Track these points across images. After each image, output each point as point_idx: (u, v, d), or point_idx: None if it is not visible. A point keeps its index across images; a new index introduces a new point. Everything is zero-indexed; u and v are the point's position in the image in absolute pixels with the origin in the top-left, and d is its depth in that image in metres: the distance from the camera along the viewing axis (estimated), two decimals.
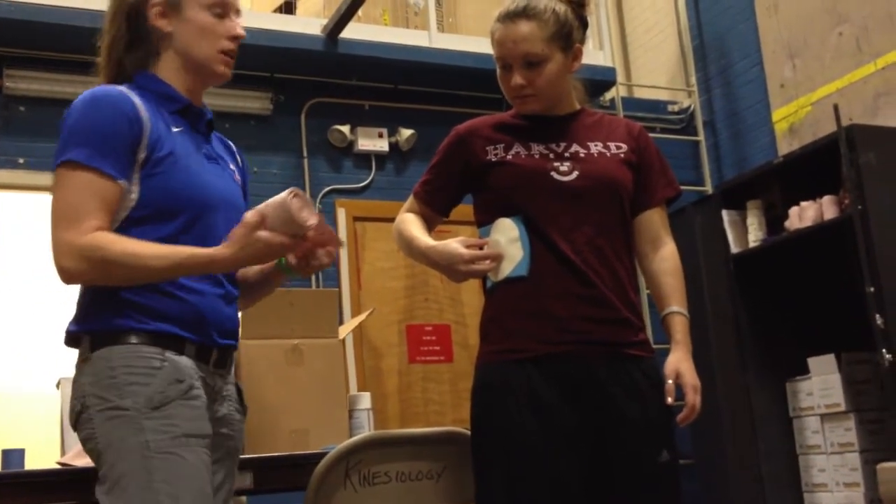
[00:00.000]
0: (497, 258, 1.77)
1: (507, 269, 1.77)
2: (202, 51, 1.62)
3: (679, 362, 1.79)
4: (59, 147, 1.49)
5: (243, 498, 2.46)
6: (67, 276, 1.46)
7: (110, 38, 1.64)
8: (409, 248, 1.88)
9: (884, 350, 3.23)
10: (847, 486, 3.49)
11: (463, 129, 1.92)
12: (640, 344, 1.81)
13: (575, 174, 1.81)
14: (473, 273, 1.76)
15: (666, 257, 1.88)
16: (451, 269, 1.76)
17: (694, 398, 1.76)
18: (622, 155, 1.86)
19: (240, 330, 1.69)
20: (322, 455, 1.84)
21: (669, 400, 1.75)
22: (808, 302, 3.89)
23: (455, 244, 1.75)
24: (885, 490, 2.58)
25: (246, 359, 2.29)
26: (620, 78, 5.03)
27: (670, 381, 1.77)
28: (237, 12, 1.67)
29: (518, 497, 1.69)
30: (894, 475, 2.54)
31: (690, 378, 1.78)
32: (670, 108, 5.17)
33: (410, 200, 1.96)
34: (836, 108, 3.58)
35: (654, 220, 1.89)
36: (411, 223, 1.90)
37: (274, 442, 2.24)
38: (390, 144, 4.58)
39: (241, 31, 1.66)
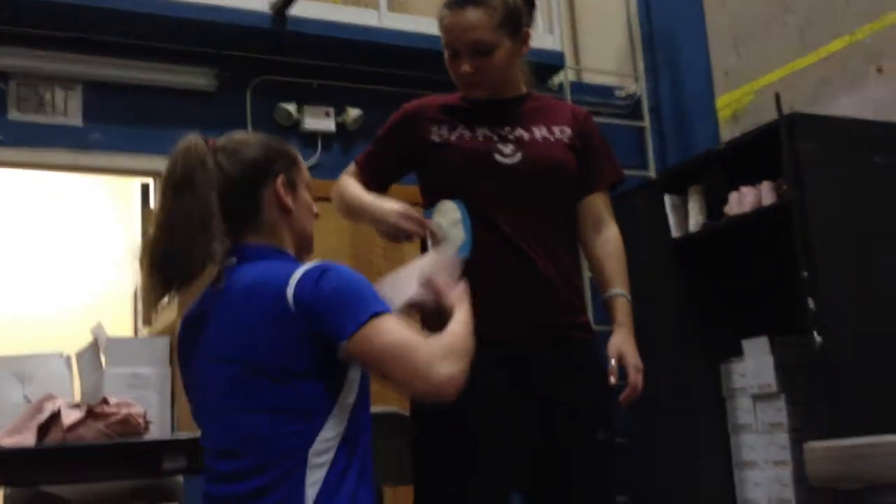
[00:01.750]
0: (433, 235, 1.75)
1: (449, 252, 1.78)
2: (309, 229, 1.57)
3: (622, 343, 1.81)
4: (360, 307, 1.44)
5: (180, 477, 2.45)
6: (448, 381, 1.36)
7: (221, 209, 1.43)
8: (350, 204, 1.88)
9: (815, 332, 3.33)
10: (776, 464, 3.60)
11: (410, 108, 1.92)
12: (582, 326, 1.84)
13: (518, 157, 1.82)
14: (402, 227, 1.74)
15: (609, 240, 1.90)
16: (384, 220, 1.75)
17: (636, 378, 1.79)
18: (566, 139, 1.87)
19: None
20: None
21: (612, 380, 1.77)
22: (746, 286, 3.98)
23: (394, 202, 1.76)
24: (812, 468, 2.66)
25: None
26: (569, 62, 5.05)
27: (613, 362, 1.79)
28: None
29: (463, 479, 1.70)
30: (821, 454, 2.61)
31: (633, 359, 1.80)
32: (618, 93, 5.21)
33: (352, 167, 1.97)
34: (777, 96, 3.65)
35: (598, 204, 1.92)
36: (353, 185, 1.91)
37: None
38: (337, 124, 4.53)
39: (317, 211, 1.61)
